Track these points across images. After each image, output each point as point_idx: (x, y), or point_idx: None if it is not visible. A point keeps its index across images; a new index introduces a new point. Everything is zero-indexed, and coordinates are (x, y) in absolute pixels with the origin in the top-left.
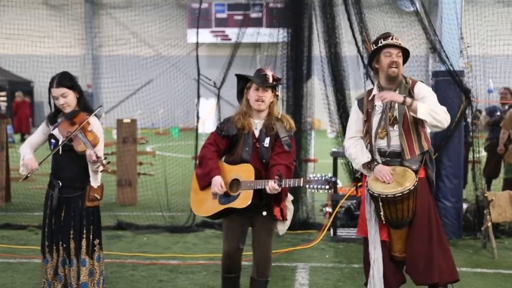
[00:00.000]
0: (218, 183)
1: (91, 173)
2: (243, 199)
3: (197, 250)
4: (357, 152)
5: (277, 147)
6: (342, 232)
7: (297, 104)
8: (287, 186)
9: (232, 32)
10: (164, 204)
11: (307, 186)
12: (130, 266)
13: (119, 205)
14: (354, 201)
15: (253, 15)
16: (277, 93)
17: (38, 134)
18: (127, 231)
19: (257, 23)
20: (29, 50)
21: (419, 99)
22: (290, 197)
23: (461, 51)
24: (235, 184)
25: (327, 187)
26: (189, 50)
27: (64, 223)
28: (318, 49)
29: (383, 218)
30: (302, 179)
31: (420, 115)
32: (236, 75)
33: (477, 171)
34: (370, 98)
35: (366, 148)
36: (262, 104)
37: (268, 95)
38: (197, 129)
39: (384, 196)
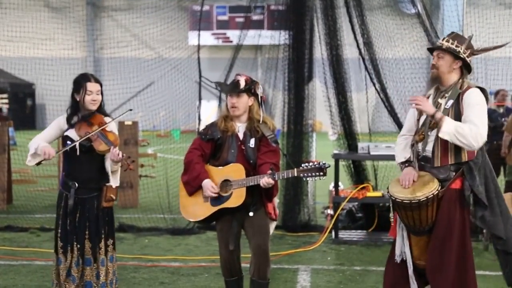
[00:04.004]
0: (209, 186)
1: (110, 173)
2: (237, 198)
3: (198, 252)
4: (399, 150)
5: (263, 146)
6: (344, 234)
7: (298, 106)
8: (281, 178)
9: (233, 34)
10: (165, 206)
11: (301, 175)
12: (131, 268)
13: (120, 207)
14: (356, 203)
15: (255, 17)
16: (260, 95)
17: (53, 129)
18: (128, 233)
19: (258, 25)
20: (30, 53)
21: (464, 106)
22: (276, 199)
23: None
24: (225, 185)
25: (321, 173)
26: (191, 52)
27: (79, 224)
28: (320, 51)
29: (402, 221)
30: (295, 169)
31: (441, 134)
32: (215, 83)
33: None
34: (426, 97)
35: (411, 148)
36: (236, 110)
37: (242, 101)
38: (198, 131)
39: (393, 198)
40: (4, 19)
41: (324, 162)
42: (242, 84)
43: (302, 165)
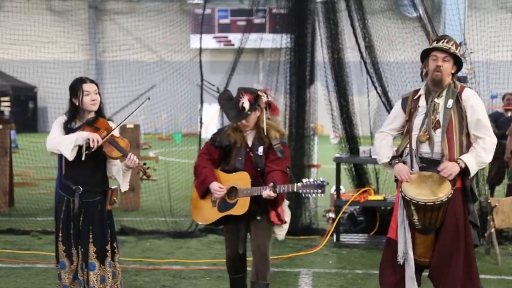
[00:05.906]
0: (216, 187)
1: (122, 177)
2: (241, 206)
3: (200, 255)
4: (382, 147)
5: (271, 154)
6: (345, 238)
7: (300, 110)
8: (281, 192)
9: (235, 38)
10: (167, 209)
11: (300, 191)
12: (133, 272)
13: (122, 210)
14: (357, 206)
15: (256, 20)
16: (264, 106)
17: (60, 129)
18: (130, 236)
19: (260, 28)
20: (33, 56)
21: (467, 106)
22: (286, 201)
23: (464, 57)
24: (232, 192)
25: (319, 191)
26: (192, 56)
27: (83, 228)
28: (321, 54)
29: (417, 223)
30: (295, 184)
31: (473, 173)
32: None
33: (481, 177)
34: (415, 97)
35: (404, 150)
36: (247, 127)
37: (250, 119)
38: (200, 135)
39: (415, 201)
40: (7, 22)
41: (322, 180)
42: (247, 107)
43: (303, 180)
